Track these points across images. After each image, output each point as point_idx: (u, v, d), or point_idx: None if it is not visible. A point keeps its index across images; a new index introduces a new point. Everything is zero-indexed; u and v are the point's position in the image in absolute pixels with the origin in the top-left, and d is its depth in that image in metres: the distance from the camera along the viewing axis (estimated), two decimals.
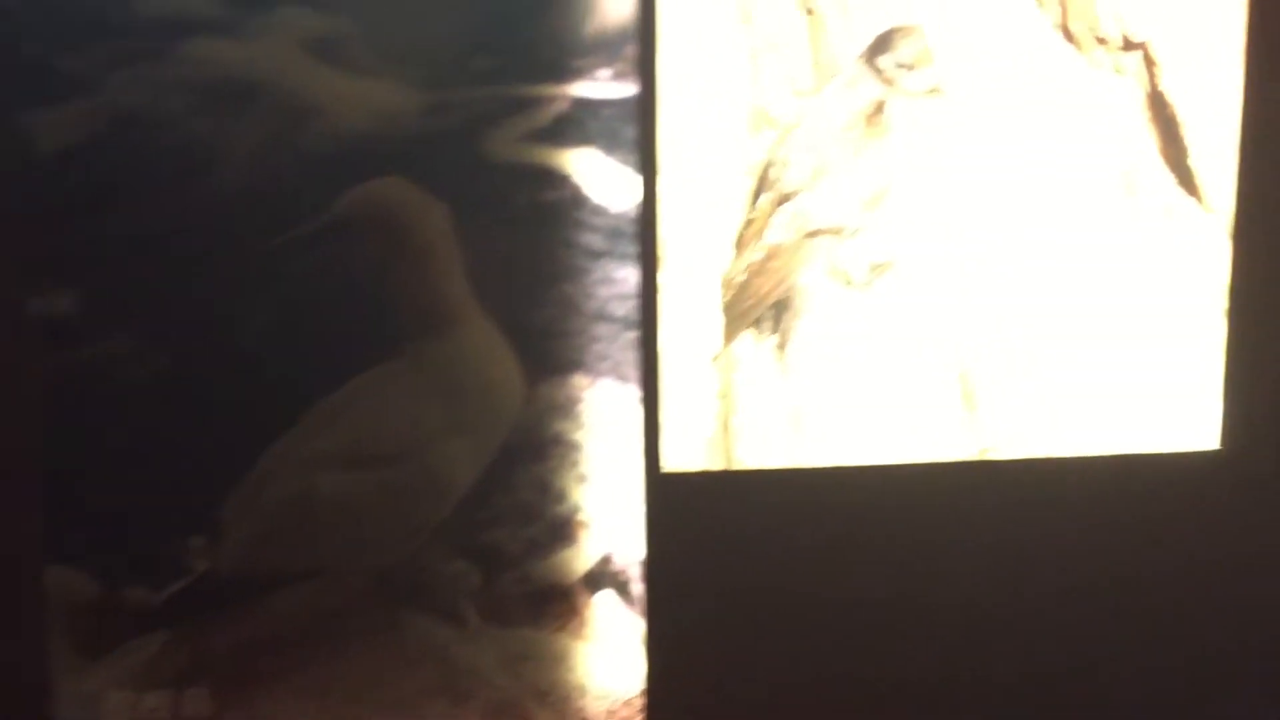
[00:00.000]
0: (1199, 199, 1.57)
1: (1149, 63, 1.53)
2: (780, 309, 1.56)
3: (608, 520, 1.56)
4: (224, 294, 1.46)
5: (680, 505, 1.57)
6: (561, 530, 1.57)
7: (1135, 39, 1.52)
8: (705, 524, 1.59)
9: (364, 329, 1.50)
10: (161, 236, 1.45)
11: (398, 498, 1.52)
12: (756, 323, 1.55)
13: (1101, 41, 1.52)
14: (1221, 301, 1.58)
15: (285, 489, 1.49)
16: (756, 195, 1.53)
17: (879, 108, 1.51)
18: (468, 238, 1.49)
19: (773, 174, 1.53)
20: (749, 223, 1.54)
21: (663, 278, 1.52)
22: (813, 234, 1.54)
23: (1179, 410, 1.60)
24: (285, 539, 1.51)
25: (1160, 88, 1.54)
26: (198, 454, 1.48)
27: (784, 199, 1.53)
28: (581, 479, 1.56)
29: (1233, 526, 1.65)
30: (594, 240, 1.52)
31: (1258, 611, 1.68)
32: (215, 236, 1.45)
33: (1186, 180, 1.56)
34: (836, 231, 1.54)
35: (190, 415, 1.48)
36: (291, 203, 1.46)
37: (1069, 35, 1.52)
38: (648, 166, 1.50)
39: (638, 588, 1.57)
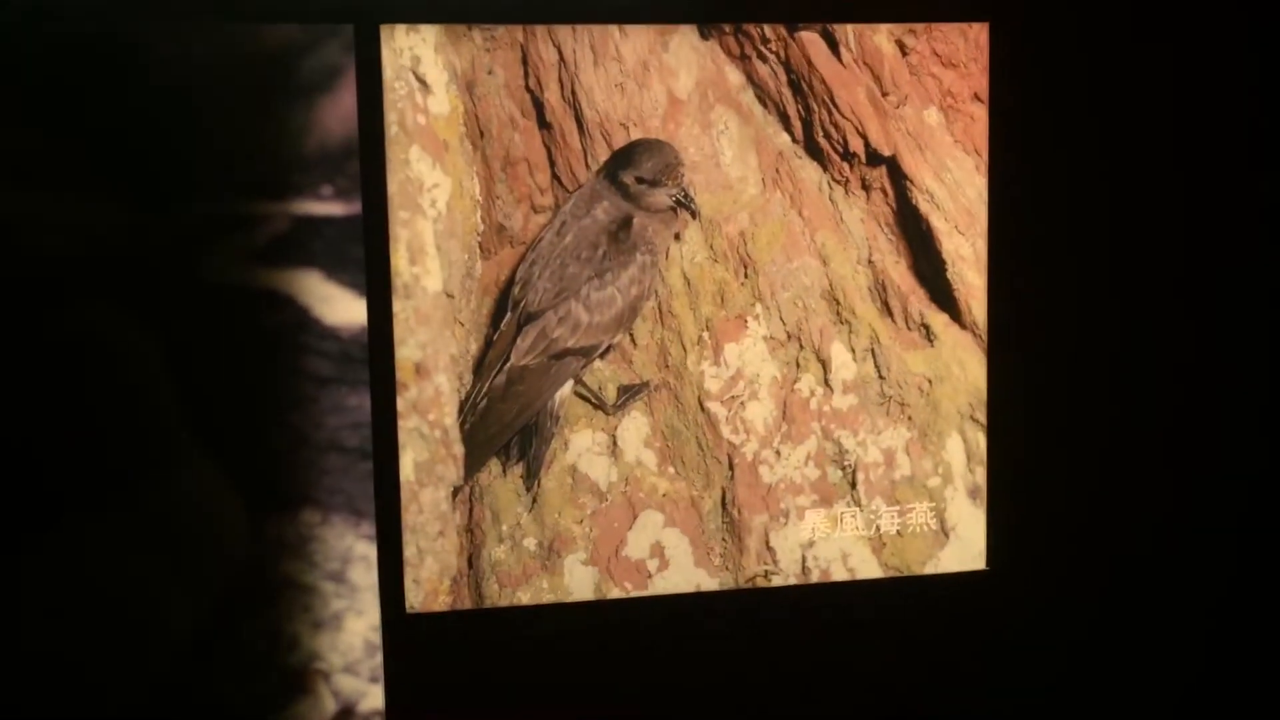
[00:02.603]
0: (955, 314, 1.54)
1: (897, 177, 1.51)
2: (527, 435, 1.47)
3: (346, 667, 1.45)
4: None
5: (424, 648, 1.46)
6: (295, 681, 1.44)
7: (882, 153, 1.50)
8: (452, 667, 1.47)
9: (67, 468, 1.37)
10: None
11: (101, 652, 1.39)
12: (502, 450, 1.47)
13: (846, 156, 1.50)
14: (980, 418, 1.55)
15: None
16: (498, 316, 1.46)
17: (623, 223, 1.46)
18: (182, 367, 1.38)
19: (515, 293, 1.46)
20: (491, 345, 1.46)
21: (399, 404, 1.43)
22: (559, 355, 1.47)
23: (945, 529, 1.56)
24: None
25: (912, 201, 1.52)
26: None
27: (527, 319, 1.46)
28: (316, 624, 1.45)
29: (1002, 647, 1.60)
30: (322, 366, 1.42)
31: None
32: None
33: (941, 295, 1.54)
34: (584, 352, 1.47)
35: None
36: None
37: (813, 150, 1.50)
38: (377, 287, 1.41)
39: None
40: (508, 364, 1.46)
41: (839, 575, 1.54)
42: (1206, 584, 1.65)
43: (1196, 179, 1.59)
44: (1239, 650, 1.67)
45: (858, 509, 1.54)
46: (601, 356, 1.48)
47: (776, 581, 1.53)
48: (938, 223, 1.52)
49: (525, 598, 1.48)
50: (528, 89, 1.44)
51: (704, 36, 1.46)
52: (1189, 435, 1.62)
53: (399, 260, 1.41)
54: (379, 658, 1.45)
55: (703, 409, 1.50)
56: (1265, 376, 1.63)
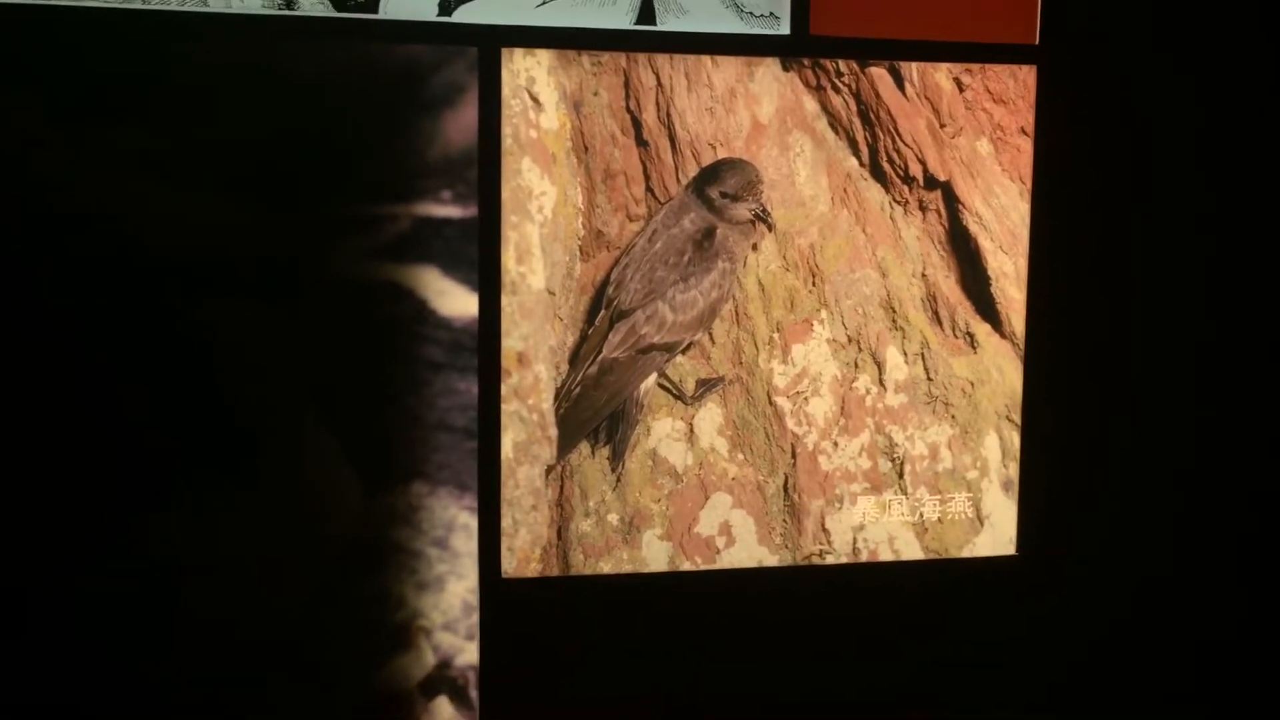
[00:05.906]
0: (997, 324, 1.71)
1: (950, 200, 1.68)
2: (614, 421, 1.63)
3: (446, 625, 1.60)
4: (55, 405, 1.48)
5: (516, 610, 1.61)
6: (399, 637, 1.59)
7: (939, 178, 1.67)
8: (540, 628, 1.63)
9: (202, 440, 1.52)
10: None
11: (227, 613, 1.53)
12: (592, 434, 1.63)
13: (906, 180, 1.67)
14: (1015, 418, 1.73)
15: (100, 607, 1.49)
16: (593, 313, 1.62)
17: (708, 233, 1.62)
18: (308, 352, 1.53)
19: (609, 293, 1.61)
20: (586, 338, 1.61)
21: (503, 389, 1.58)
22: (645, 350, 1.62)
23: (979, 516, 1.73)
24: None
25: (963, 222, 1.69)
26: None
27: (619, 317, 1.62)
28: (420, 585, 1.60)
29: (1028, 626, 1.78)
30: (435, 353, 1.57)
31: (1051, 705, 1.81)
32: (41, 357, 1.47)
33: (985, 307, 1.71)
34: (668, 348, 1.63)
35: None
36: (128, 320, 1.48)
37: (878, 173, 1.66)
38: (488, 283, 1.56)
39: (473, 693, 1.60)
40: (600, 356, 1.61)
41: (885, 556, 1.71)
42: (1218, 576, 1.82)
43: (1222, 204, 1.76)
44: (1258, 635, 1.84)
45: (904, 497, 1.71)
46: (683, 352, 1.64)
47: (830, 560, 1.70)
48: (985, 242, 1.69)
49: (607, 567, 1.64)
50: (628, 110, 1.59)
51: (785, 69, 1.63)
52: (1208, 439, 1.79)
53: (508, 260, 1.57)
54: (475, 617, 1.60)
55: (771, 402, 1.67)
56: None
